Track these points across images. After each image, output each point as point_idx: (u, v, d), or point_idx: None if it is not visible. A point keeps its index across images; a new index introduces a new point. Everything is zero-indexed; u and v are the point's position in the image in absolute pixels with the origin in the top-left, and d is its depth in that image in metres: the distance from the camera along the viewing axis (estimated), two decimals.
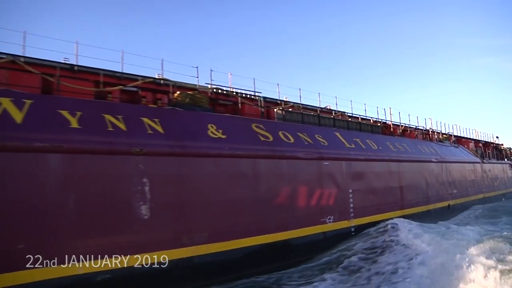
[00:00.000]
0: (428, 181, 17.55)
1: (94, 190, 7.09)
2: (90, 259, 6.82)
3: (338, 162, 12.45)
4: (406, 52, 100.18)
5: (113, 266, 7.05)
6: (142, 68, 9.77)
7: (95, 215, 7.04)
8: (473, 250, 8.22)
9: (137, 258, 7.33)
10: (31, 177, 6.53)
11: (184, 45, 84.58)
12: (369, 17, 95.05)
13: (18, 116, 6.81)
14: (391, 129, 19.01)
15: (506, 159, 31.66)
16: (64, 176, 6.85)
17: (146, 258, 7.43)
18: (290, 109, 13.09)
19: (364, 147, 14.14)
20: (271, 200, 9.88)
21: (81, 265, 6.72)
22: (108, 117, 7.79)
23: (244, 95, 12.05)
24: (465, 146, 25.40)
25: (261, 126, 10.73)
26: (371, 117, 17.88)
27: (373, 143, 14.85)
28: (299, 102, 13.91)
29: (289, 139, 11.08)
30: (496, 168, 27.57)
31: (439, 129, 23.65)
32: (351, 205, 12.56)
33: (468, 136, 27.63)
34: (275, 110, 12.46)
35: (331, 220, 11.60)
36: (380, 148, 15.07)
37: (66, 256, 6.58)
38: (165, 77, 10.55)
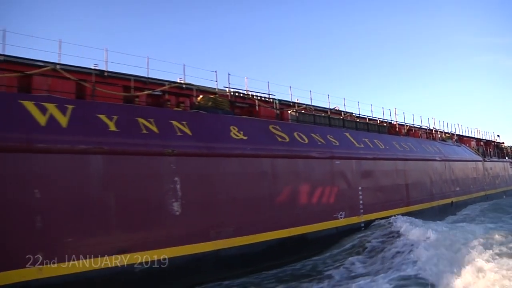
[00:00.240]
0: (432, 179, 18.19)
1: (131, 188, 7.72)
2: (129, 252, 7.45)
3: (349, 161, 13.08)
4: (407, 51, 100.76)
5: (150, 258, 7.67)
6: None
7: (133, 211, 7.67)
8: (472, 238, 9.07)
9: (170, 251, 7.96)
10: (77, 177, 7.15)
11: (185, 46, 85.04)
12: (368, 17, 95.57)
13: (63, 120, 7.43)
14: (397, 129, 19.64)
15: (507, 157, 32.31)
16: (105, 176, 7.47)
17: (178, 251, 8.06)
18: (303, 111, 13.71)
19: (372, 146, 14.76)
20: (288, 197, 10.51)
21: (121, 258, 7.35)
22: (141, 120, 8.41)
23: (259, 97, 12.65)
24: (467, 145, 26.03)
25: (278, 127, 11.34)
26: (378, 118, 18.49)
27: (380, 143, 15.47)
28: (309, 103, 14.50)
29: (303, 140, 11.70)
30: (497, 166, 28.23)
31: (442, 128, 24.27)
32: (361, 202, 13.20)
33: (470, 135, 28.27)
34: (289, 112, 13.08)
35: (343, 216, 12.24)
36: (387, 147, 15.69)
37: (107, 249, 7.22)
38: (187, 81, 11.16)
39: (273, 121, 11.71)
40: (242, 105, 12.29)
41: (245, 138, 9.96)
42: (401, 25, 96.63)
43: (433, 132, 23.12)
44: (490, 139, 31.38)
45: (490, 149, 29.75)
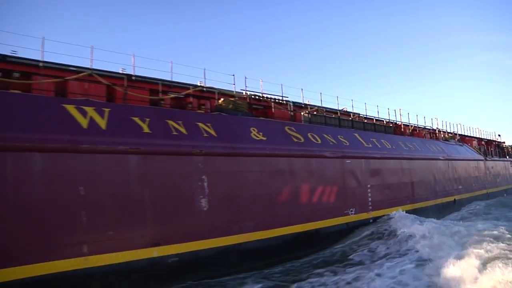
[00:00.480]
0: (436, 178, 18.87)
1: (164, 185, 8.37)
2: (162, 245, 8.10)
3: (358, 160, 13.73)
4: (407, 51, 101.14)
5: (181, 250, 8.33)
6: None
7: (166, 207, 8.32)
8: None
9: (199, 243, 8.62)
10: (117, 175, 7.79)
11: (185, 47, 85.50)
12: (368, 17, 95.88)
13: (102, 123, 8.06)
14: (402, 129, 20.29)
15: (507, 157, 32.97)
16: (141, 174, 8.11)
17: (205, 244, 8.72)
18: (315, 112, 14.34)
19: (379, 146, 15.42)
20: (303, 194, 11.17)
21: (156, 250, 8.01)
22: (171, 122, 9.04)
23: (274, 99, 13.28)
24: (469, 144, 26.68)
25: (293, 128, 11.99)
26: (384, 118, 19.13)
27: (387, 143, 16.13)
28: (320, 105, 15.13)
29: (317, 140, 12.35)
30: (498, 165, 28.92)
31: (444, 128, 24.92)
32: (370, 199, 13.87)
33: (472, 135, 28.92)
34: (302, 113, 13.71)
35: (353, 212, 12.91)
36: (394, 147, 16.36)
37: (143, 242, 7.88)
38: (204, 84, 11.78)
39: (288, 123, 12.36)
40: (258, 107, 12.92)
41: (264, 138, 10.60)
42: (401, 24, 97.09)
43: (436, 132, 23.76)
44: (491, 139, 32.03)
45: (491, 148, 30.40)
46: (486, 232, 10.10)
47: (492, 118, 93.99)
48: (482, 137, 30.52)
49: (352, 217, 12.85)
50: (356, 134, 14.81)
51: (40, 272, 6.63)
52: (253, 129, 10.58)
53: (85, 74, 9.00)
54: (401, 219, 12.82)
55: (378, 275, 8.05)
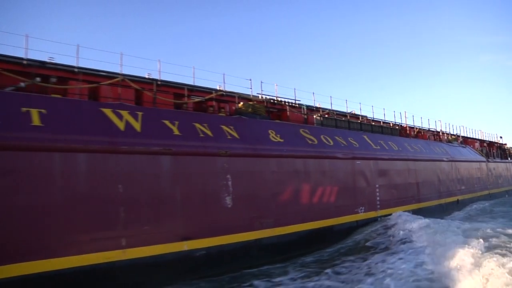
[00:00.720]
0: (440, 178, 19.54)
1: (193, 184, 9.03)
2: (191, 239, 8.76)
3: (367, 161, 14.40)
4: (410, 53, 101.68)
5: (208, 244, 9.00)
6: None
7: (194, 204, 8.99)
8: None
9: (224, 238, 9.29)
10: (151, 174, 8.46)
11: (187, 47, 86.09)
12: (368, 18, 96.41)
13: (136, 125, 8.73)
14: (407, 131, 20.95)
15: (509, 158, 33.63)
16: (172, 174, 8.78)
17: (230, 238, 9.39)
18: (326, 115, 15.02)
19: (387, 148, 16.10)
20: (317, 193, 11.84)
21: (186, 243, 8.67)
22: (197, 125, 9.71)
23: (288, 103, 13.95)
24: (471, 146, 27.34)
25: (307, 131, 12.66)
26: (390, 121, 19.80)
27: (394, 145, 16.81)
28: (330, 108, 15.81)
29: (329, 142, 13.02)
30: (500, 167, 29.59)
31: (447, 130, 25.58)
32: (378, 198, 14.54)
33: (474, 137, 29.57)
34: (314, 116, 14.38)
35: (362, 210, 13.59)
36: (400, 149, 17.03)
37: (174, 236, 8.53)
38: (220, 87, 12.46)
39: (302, 125, 13.03)
40: (273, 110, 13.60)
41: (281, 140, 11.27)
42: (403, 26, 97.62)
43: (440, 134, 24.42)
44: (493, 141, 32.69)
45: (493, 150, 31.07)
46: (486, 228, 10.79)
47: (494, 119, 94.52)
48: (484, 139, 31.17)
49: (361, 215, 13.52)
50: (365, 136, 15.47)
51: (85, 263, 7.28)
52: (271, 132, 11.25)
53: (118, 80, 9.66)
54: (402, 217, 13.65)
55: (401, 259, 8.95)
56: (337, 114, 16.21)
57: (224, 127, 10.20)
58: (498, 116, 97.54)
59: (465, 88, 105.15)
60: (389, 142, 16.71)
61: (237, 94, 12.04)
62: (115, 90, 10.09)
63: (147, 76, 11.14)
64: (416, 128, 22.00)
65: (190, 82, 11.70)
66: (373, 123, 18.10)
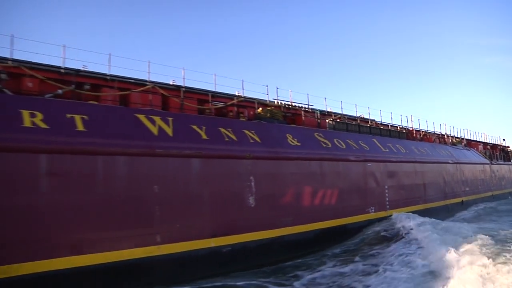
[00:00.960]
0: (445, 180, 20.19)
1: (220, 185, 9.70)
2: (218, 236, 9.42)
3: (377, 164, 15.06)
4: (412, 55, 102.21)
5: (233, 241, 9.65)
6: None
7: (221, 204, 9.65)
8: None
9: (248, 235, 9.94)
10: (183, 176, 9.12)
11: (188, 47, 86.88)
12: (369, 17, 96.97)
13: (168, 130, 9.40)
14: (414, 135, 21.61)
15: None
16: (202, 175, 9.44)
17: (254, 236, 10.04)
18: (338, 120, 15.69)
19: (395, 150, 16.76)
20: (331, 193, 12.49)
21: (213, 240, 9.32)
22: (222, 130, 10.38)
23: (302, 108, 14.63)
24: (475, 149, 27.97)
25: (321, 134, 13.33)
26: (397, 125, 20.47)
27: (402, 147, 17.47)
28: (341, 112, 16.49)
29: (342, 145, 13.68)
30: (503, 169, 30.23)
31: (452, 133, 26.22)
32: (387, 199, 15.20)
33: (477, 139, 30.20)
34: (326, 120, 15.06)
35: (373, 210, 14.25)
36: (408, 151, 17.70)
37: (203, 233, 9.18)
38: (236, 92, 13.14)
39: (316, 129, 13.70)
40: (289, 115, 14.27)
41: (298, 144, 11.94)
42: (404, 28, 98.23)
43: (445, 137, 25.06)
44: (496, 143, 33.32)
45: (496, 152, 31.69)
46: (485, 226, 11.57)
47: (496, 122, 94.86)
48: (488, 142, 31.81)
49: (372, 215, 14.17)
50: (375, 140, 16.13)
51: (127, 257, 7.94)
52: (289, 135, 11.92)
53: (149, 87, 10.34)
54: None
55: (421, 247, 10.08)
56: (347, 118, 16.88)
57: (246, 132, 10.87)
58: (501, 118, 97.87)
59: (468, 91, 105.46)
60: (397, 145, 17.37)
61: (256, 100, 12.70)
62: (144, 96, 10.75)
63: (171, 83, 11.82)
64: (422, 131, 22.65)
65: (210, 88, 12.37)
66: (382, 127, 18.78)
